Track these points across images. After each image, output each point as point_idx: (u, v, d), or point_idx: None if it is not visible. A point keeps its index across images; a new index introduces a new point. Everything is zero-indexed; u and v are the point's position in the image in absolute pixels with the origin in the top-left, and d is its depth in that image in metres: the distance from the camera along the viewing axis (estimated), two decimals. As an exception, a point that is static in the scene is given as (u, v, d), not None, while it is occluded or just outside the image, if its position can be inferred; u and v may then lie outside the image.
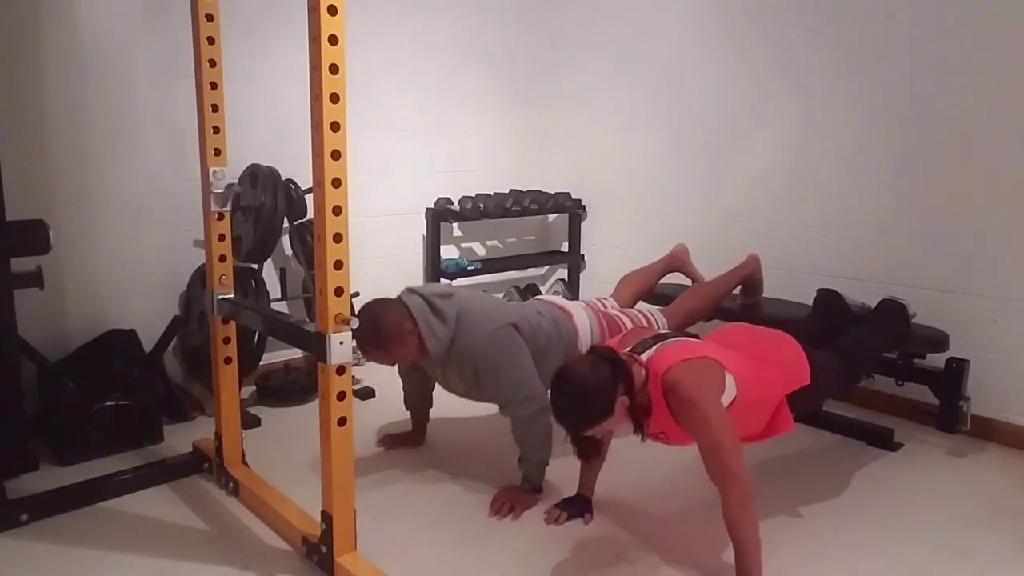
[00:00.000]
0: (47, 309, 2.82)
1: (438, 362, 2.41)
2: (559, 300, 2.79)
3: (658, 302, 3.24)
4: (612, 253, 4.28)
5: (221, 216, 2.34)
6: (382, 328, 2.30)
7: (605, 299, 2.99)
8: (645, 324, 2.80)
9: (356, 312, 2.25)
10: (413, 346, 2.34)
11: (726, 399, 1.97)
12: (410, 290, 2.41)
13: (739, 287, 3.17)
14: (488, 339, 2.35)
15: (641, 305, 3.12)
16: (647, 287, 3.18)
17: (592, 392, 1.89)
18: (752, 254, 3.18)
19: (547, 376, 2.43)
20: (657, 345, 2.01)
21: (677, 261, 3.28)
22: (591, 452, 2.03)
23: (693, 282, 3.31)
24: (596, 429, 1.95)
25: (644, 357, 1.98)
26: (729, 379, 1.98)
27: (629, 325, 2.75)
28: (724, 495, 1.87)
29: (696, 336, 2.20)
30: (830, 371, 2.34)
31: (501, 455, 2.62)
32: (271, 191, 3.08)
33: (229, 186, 2.32)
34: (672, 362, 1.94)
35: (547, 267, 4.60)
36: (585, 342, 2.65)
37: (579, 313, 2.70)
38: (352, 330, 1.81)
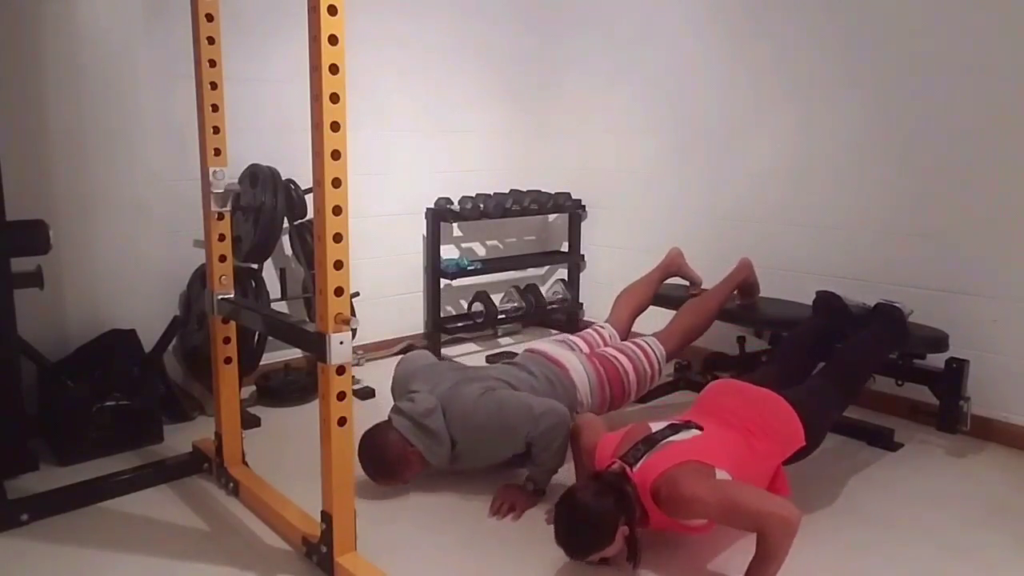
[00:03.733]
0: (47, 309, 2.82)
1: (446, 465, 2.45)
2: (553, 351, 2.75)
3: (658, 303, 3.25)
4: (612, 253, 4.28)
5: (221, 216, 2.34)
6: (388, 459, 2.38)
7: (602, 327, 2.99)
8: (643, 357, 2.80)
9: (358, 447, 2.33)
10: (417, 463, 2.41)
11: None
12: (397, 412, 2.44)
13: (736, 291, 3.17)
14: (482, 419, 2.37)
15: (642, 319, 3.12)
16: (645, 302, 3.18)
17: (595, 523, 1.92)
18: (743, 259, 3.18)
19: None
20: (647, 454, 2.02)
21: (673, 266, 3.28)
22: (639, 554, 2.03)
23: (691, 283, 3.31)
24: (594, 557, 1.99)
25: (635, 471, 2.00)
26: (720, 474, 1.99)
27: (627, 364, 2.76)
28: (767, 535, 1.87)
29: (690, 423, 2.15)
30: (824, 418, 2.34)
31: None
32: (271, 191, 3.08)
33: (229, 186, 2.32)
34: (659, 471, 1.95)
35: (547, 267, 4.60)
36: (584, 392, 2.67)
37: (574, 364, 2.70)
38: (354, 326, 1.80)
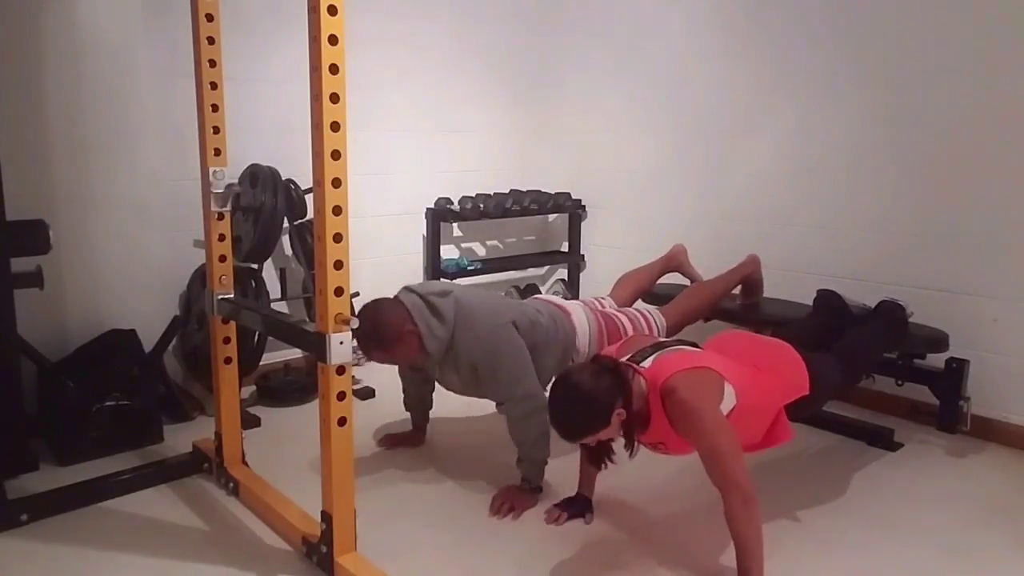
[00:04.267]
0: (47, 309, 2.82)
1: (437, 360, 2.41)
2: (557, 299, 2.79)
3: (655, 302, 3.24)
4: (612, 253, 4.28)
5: (221, 216, 2.34)
6: (383, 328, 2.31)
7: (603, 298, 2.99)
8: (643, 323, 2.80)
9: (356, 313, 2.26)
10: (414, 345, 2.35)
11: (725, 408, 1.97)
12: (407, 289, 2.42)
13: (739, 287, 3.17)
14: (487, 337, 2.36)
15: (639, 305, 3.12)
16: (645, 287, 3.19)
17: (591, 402, 1.89)
18: (752, 254, 3.18)
19: (543, 373, 2.44)
20: (656, 354, 2.01)
21: (675, 261, 3.28)
22: (601, 458, 2.02)
23: (691, 282, 3.31)
24: (590, 439, 1.96)
25: (643, 366, 1.98)
26: (728, 388, 1.98)
27: (627, 324, 2.75)
28: (726, 499, 1.87)
29: (695, 344, 2.20)
30: (829, 377, 2.34)
31: (501, 455, 2.62)
32: (271, 191, 3.08)
33: (229, 186, 2.32)
34: (671, 371, 1.94)
35: (547, 267, 4.60)
36: (583, 340, 2.65)
37: (577, 312, 2.70)
38: (352, 330, 1.81)
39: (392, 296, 2.42)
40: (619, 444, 2.14)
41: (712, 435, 1.88)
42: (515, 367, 2.37)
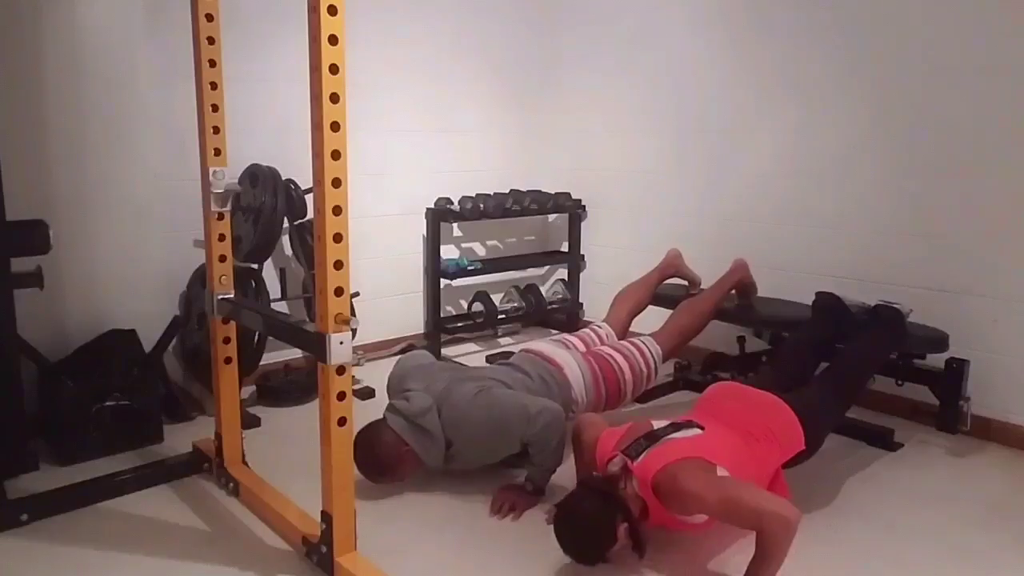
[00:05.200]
0: (47, 309, 2.82)
1: (440, 465, 2.45)
2: (547, 350, 2.76)
3: (656, 303, 3.25)
4: (612, 253, 4.28)
5: (221, 216, 2.34)
6: (382, 457, 2.38)
7: (599, 327, 3.00)
8: (639, 357, 2.81)
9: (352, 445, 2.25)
10: (413, 461, 2.41)
11: None
12: (391, 411, 2.44)
13: (733, 290, 3.17)
14: (480, 413, 2.37)
15: (640, 318, 3.12)
16: (643, 301, 3.18)
17: (595, 530, 1.95)
18: (737, 260, 3.18)
19: None
20: (648, 449, 2.03)
21: (671, 267, 3.28)
22: (644, 545, 2.04)
23: (690, 284, 3.31)
24: (605, 556, 2.00)
25: (637, 463, 2.00)
26: (721, 471, 2.00)
27: (622, 363, 2.77)
28: (767, 532, 1.87)
29: (691, 422, 2.16)
30: (824, 423, 2.35)
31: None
32: (271, 191, 3.08)
33: (229, 186, 2.32)
34: (660, 465, 1.96)
35: (547, 267, 4.60)
36: (579, 391, 2.67)
37: (568, 364, 2.70)
38: (354, 326, 1.80)
39: (379, 420, 2.45)
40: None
41: (713, 494, 1.90)
42: (514, 403, 2.39)
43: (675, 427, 2.11)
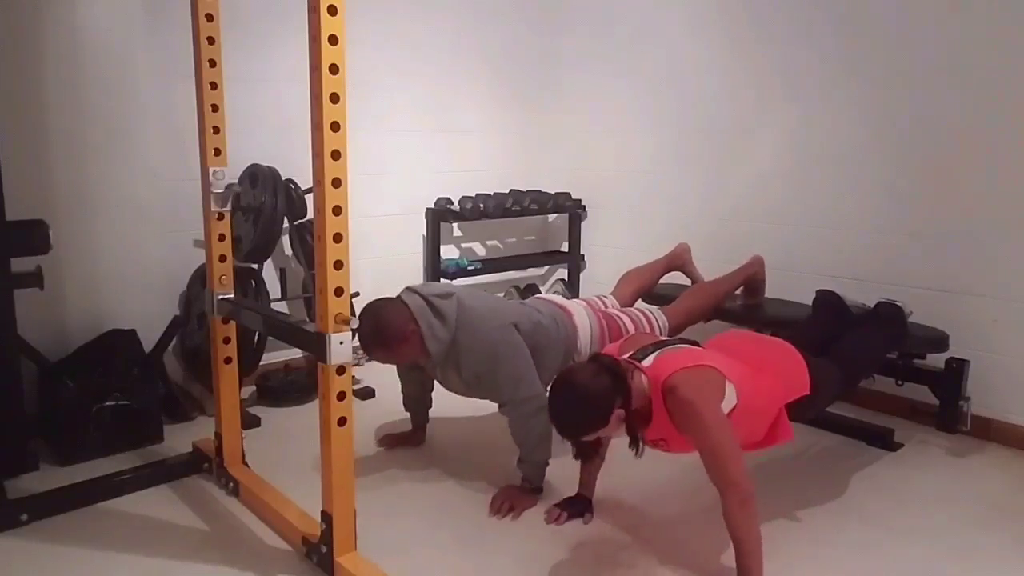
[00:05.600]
0: (47, 309, 2.82)
1: (438, 362, 2.41)
2: (559, 299, 2.79)
3: (657, 302, 3.24)
4: (612, 253, 4.28)
5: (221, 216, 2.34)
6: (385, 328, 2.31)
7: (605, 297, 2.99)
8: (645, 323, 2.80)
9: (358, 313, 2.27)
10: (416, 345, 2.35)
11: (726, 406, 1.98)
12: (410, 290, 2.42)
13: (741, 287, 3.17)
14: (488, 338, 2.36)
15: (641, 304, 3.12)
16: (647, 285, 3.19)
17: (589, 401, 1.90)
18: (756, 255, 3.18)
19: (545, 373, 2.44)
20: (658, 352, 2.01)
21: (679, 260, 3.28)
22: (590, 453, 2.03)
23: (693, 282, 3.31)
24: (589, 438, 1.97)
25: (645, 363, 1.98)
26: (729, 387, 1.98)
27: (629, 324, 2.75)
28: (724, 497, 1.88)
29: (697, 343, 2.20)
30: (829, 381, 2.34)
31: (501, 455, 2.62)
32: (271, 191, 3.08)
33: (229, 186, 2.32)
34: (673, 369, 1.94)
35: (547, 267, 4.60)
36: (585, 341, 2.65)
37: (579, 312, 2.70)
38: (354, 330, 1.81)
39: (395, 296, 2.42)
40: (617, 444, 2.15)
41: (712, 433, 1.88)
42: (516, 368, 2.37)
43: (684, 342, 2.10)
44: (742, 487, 1.86)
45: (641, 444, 1.96)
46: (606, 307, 2.90)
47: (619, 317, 2.77)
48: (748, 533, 1.88)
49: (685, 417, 1.90)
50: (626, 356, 2.03)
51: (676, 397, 1.90)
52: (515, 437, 2.39)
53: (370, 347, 2.35)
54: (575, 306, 2.74)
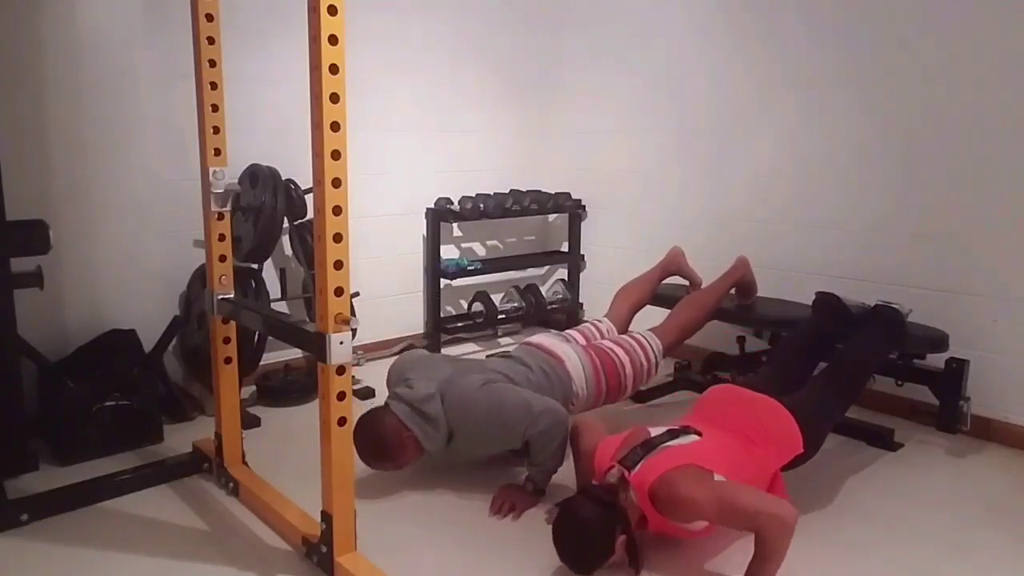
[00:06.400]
0: (47, 309, 2.82)
1: (438, 458, 2.45)
2: (548, 343, 2.77)
3: (655, 302, 3.25)
4: (612, 253, 4.28)
5: (221, 216, 2.34)
6: (383, 441, 2.36)
7: (600, 322, 3.00)
8: (639, 351, 2.81)
9: (354, 432, 2.27)
10: (414, 448, 2.39)
11: None
12: (394, 398, 2.44)
13: (733, 289, 3.17)
14: (482, 403, 2.37)
15: (639, 318, 3.12)
16: (646, 297, 3.18)
17: (595, 540, 1.94)
18: (740, 257, 3.18)
19: None
20: (645, 458, 2.03)
21: (674, 264, 3.28)
22: (640, 561, 2.04)
23: (691, 283, 3.30)
24: (601, 567, 1.99)
25: (634, 472, 2.00)
26: (718, 478, 1.99)
27: (623, 356, 2.76)
28: (766, 534, 1.88)
29: (688, 428, 2.16)
30: (822, 425, 2.34)
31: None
32: (271, 191, 3.08)
33: (229, 186, 2.32)
34: (657, 474, 1.96)
35: (547, 267, 4.60)
36: (580, 384, 2.67)
37: (569, 356, 2.70)
38: (354, 326, 1.81)
39: (381, 406, 2.46)
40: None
41: (710, 499, 1.89)
42: (518, 400, 2.38)
43: (672, 434, 2.11)
44: (773, 514, 1.87)
45: (641, 563, 1.99)
46: (601, 335, 2.91)
47: (612, 351, 2.77)
48: (780, 552, 1.89)
49: (674, 510, 1.93)
50: (620, 461, 2.04)
51: (660, 499, 1.93)
52: (533, 447, 2.37)
53: (373, 461, 2.39)
54: (565, 350, 2.72)
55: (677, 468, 1.96)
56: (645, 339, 2.87)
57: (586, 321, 3.06)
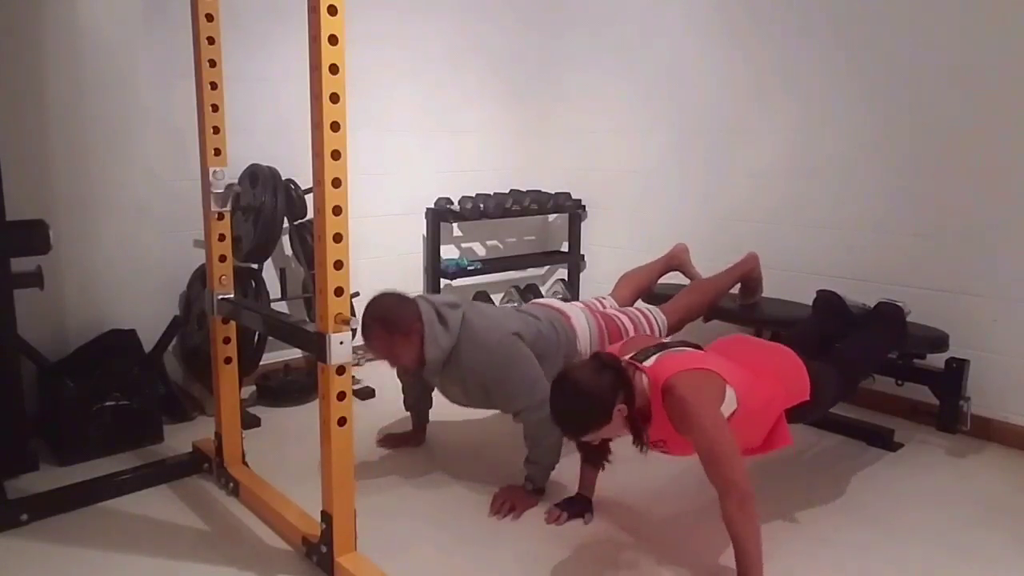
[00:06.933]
0: (47, 309, 2.82)
1: (435, 371, 2.40)
2: (555, 302, 2.79)
3: (654, 302, 3.24)
4: (612, 253, 4.28)
5: (221, 216, 2.34)
6: (394, 315, 2.32)
7: (604, 298, 2.99)
8: (644, 323, 2.80)
9: (370, 298, 2.32)
10: (415, 345, 2.34)
11: (726, 410, 1.98)
12: (423, 297, 2.43)
13: (738, 286, 3.17)
14: (494, 348, 2.36)
15: (640, 304, 3.12)
16: (646, 286, 3.19)
17: (591, 399, 1.90)
18: (751, 252, 3.18)
19: (549, 380, 2.44)
20: (659, 353, 2.01)
21: (676, 260, 3.28)
22: (598, 458, 2.02)
23: (691, 281, 3.30)
24: (593, 436, 1.97)
25: (646, 364, 1.98)
26: (729, 391, 1.98)
27: (628, 324, 2.75)
28: (722, 499, 1.87)
29: (699, 346, 2.19)
30: (829, 386, 2.34)
31: (501, 455, 2.62)
32: (271, 191, 3.08)
33: (229, 186, 2.32)
34: (673, 370, 1.94)
35: (547, 267, 4.60)
36: (584, 343, 2.65)
37: (576, 315, 2.70)
38: (354, 326, 1.80)
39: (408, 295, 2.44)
40: (617, 444, 2.15)
41: (709, 434, 1.88)
42: (528, 374, 2.37)
43: (686, 344, 2.10)
44: (741, 488, 1.85)
45: (646, 441, 1.96)
46: (604, 308, 2.90)
47: (618, 317, 2.77)
48: (747, 534, 1.87)
49: (684, 418, 1.90)
50: (627, 357, 2.03)
51: (675, 398, 1.90)
52: (528, 440, 2.38)
53: (374, 329, 2.32)
54: (572, 309, 2.74)
55: (700, 370, 1.92)
56: (651, 313, 2.87)
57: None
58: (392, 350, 2.37)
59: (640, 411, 1.95)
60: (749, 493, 1.86)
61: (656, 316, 2.87)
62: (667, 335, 2.88)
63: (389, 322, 2.32)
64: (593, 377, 1.91)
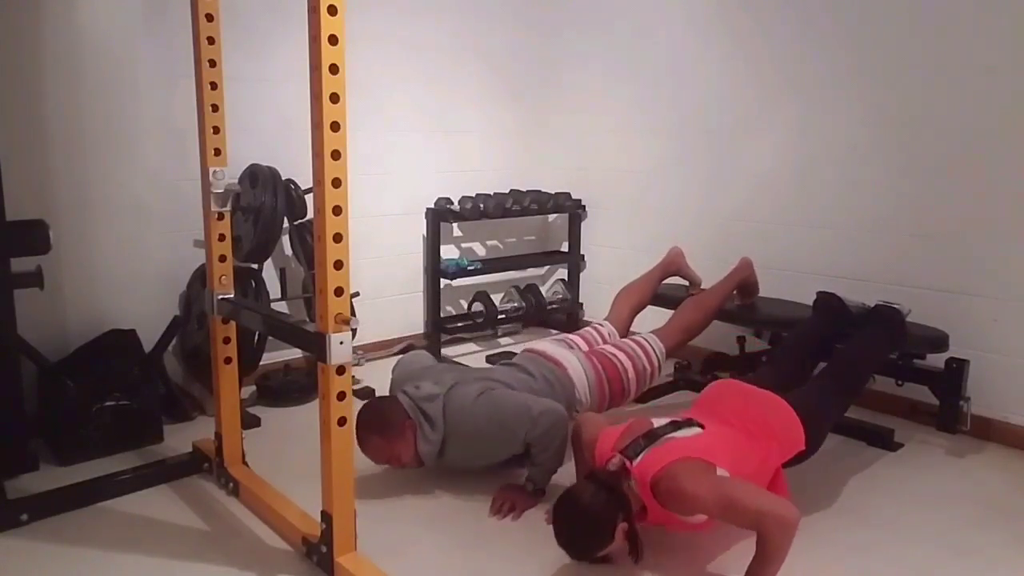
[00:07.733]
0: (47, 309, 2.82)
1: (433, 459, 2.43)
2: (551, 350, 2.76)
3: (656, 303, 3.25)
4: (612, 253, 4.28)
5: (221, 216, 2.34)
6: (385, 417, 2.38)
7: (600, 325, 3.00)
8: (642, 356, 2.80)
9: (356, 412, 2.30)
10: (409, 443, 2.39)
11: None
12: (402, 392, 2.47)
13: (735, 290, 3.17)
14: (477, 412, 2.38)
15: (638, 335, 3.12)
16: (646, 298, 3.18)
17: (596, 524, 1.94)
18: (744, 258, 3.18)
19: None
20: (647, 448, 2.02)
21: (674, 265, 3.28)
22: (640, 549, 2.03)
23: (690, 283, 3.30)
24: (599, 555, 2.00)
25: (635, 465, 2.00)
26: (720, 472, 2.00)
27: (625, 360, 2.76)
28: (764, 532, 1.87)
29: (691, 422, 2.14)
30: (825, 422, 2.34)
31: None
32: (271, 191, 3.08)
33: (229, 186, 2.32)
34: (659, 466, 1.96)
35: (547, 267, 4.60)
36: (583, 391, 2.67)
37: (572, 363, 2.70)
38: (354, 326, 1.81)
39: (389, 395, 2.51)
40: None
41: (713, 497, 1.89)
42: (516, 404, 2.38)
43: (674, 426, 2.11)
44: (776, 514, 1.86)
45: (641, 551, 1.98)
46: (603, 339, 2.91)
47: (615, 356, 2.77)
48: (780, 554, 1.88)
49: (680, 504, 1.93)
50: (622, 450, 2.04)
51: (662, 492, 1.93)
52: (536, 448, 2.37)
53: (368, 435, 2.38)
54: (568, 358, 2.72)
55: (680, 460, 1.96)
56: (647, 342, 2.86)
57: (587, 324, 3.06)
58: (393, 452, 2.41)
59: (637, 515, 1.99)
60: (787, 516, 1.87)
61: (654, 346, 2.86)
62: (666, 358, 2.90)
63: (383, 427, 2.38)
64: (593, 502, 1.94)
